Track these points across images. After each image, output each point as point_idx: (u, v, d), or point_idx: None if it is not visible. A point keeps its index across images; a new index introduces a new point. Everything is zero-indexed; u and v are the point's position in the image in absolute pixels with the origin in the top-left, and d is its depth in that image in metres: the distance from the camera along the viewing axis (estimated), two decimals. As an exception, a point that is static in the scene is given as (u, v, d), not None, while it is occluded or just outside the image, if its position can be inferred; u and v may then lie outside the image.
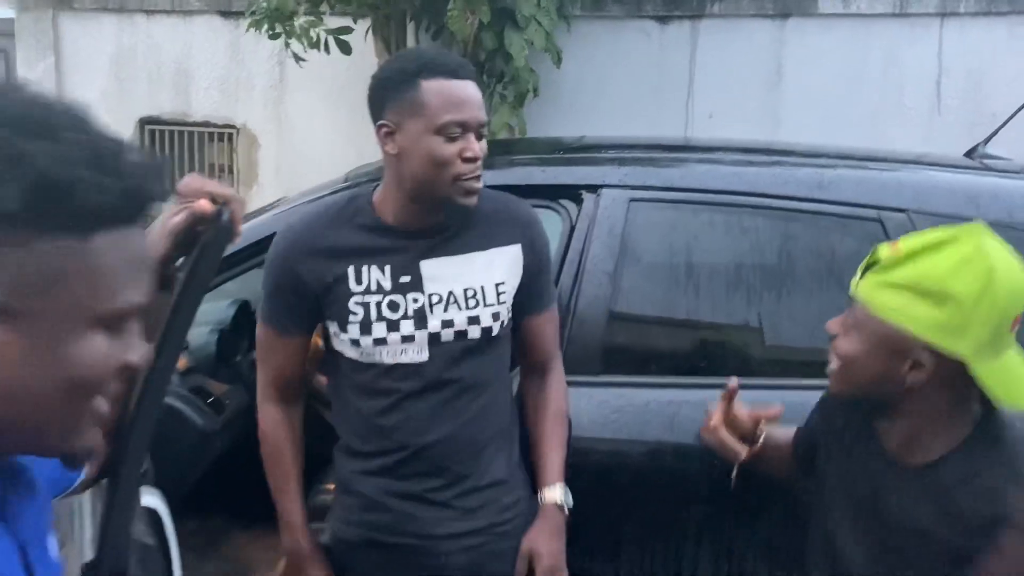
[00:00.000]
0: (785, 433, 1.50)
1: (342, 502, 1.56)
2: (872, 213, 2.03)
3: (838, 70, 5.07)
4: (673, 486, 1.98)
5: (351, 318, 1.43)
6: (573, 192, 2.09)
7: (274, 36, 4.59)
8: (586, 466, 1.83)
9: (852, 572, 1.26)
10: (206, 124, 5.85)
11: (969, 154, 2.56)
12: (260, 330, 1.52)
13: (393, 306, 1.44)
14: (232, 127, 5.82)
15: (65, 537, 1.13)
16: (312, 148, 5.55)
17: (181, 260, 1.08)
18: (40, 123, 0.58)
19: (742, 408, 1.50)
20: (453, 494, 1.47)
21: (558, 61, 4.81)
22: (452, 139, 1.37)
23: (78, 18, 5.83)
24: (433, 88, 1.36)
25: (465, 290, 1.46)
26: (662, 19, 5.23)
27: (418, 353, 1.44)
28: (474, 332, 1.46)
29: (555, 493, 1.55)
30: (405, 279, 1.44)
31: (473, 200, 1.42)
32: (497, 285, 1.48)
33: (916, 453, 1.17)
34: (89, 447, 0.66)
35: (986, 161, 2.42)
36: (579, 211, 2.07)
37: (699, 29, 5.20)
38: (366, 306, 1.43)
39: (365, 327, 1.43)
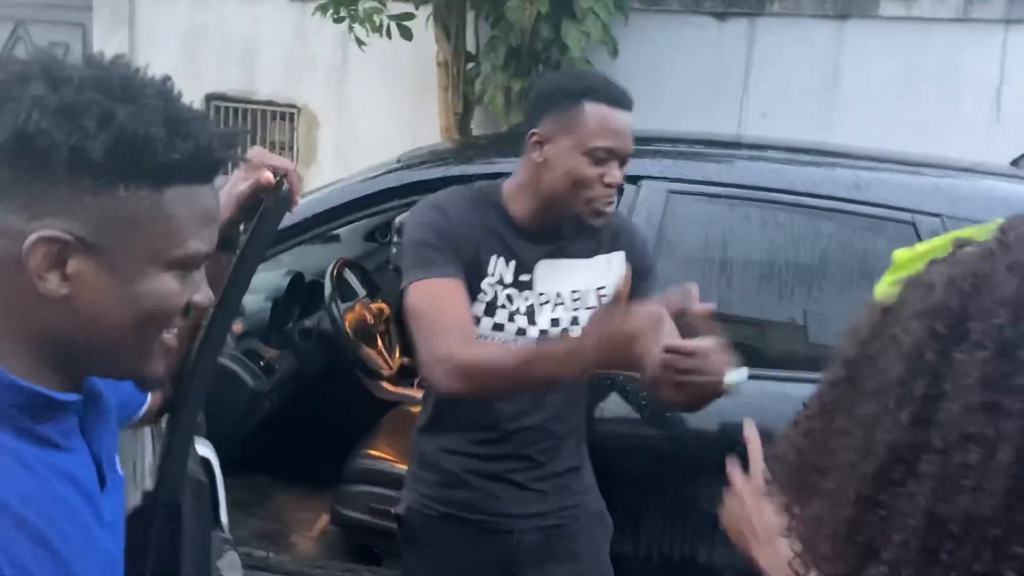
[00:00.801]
0: None
1: (421, 477, 1.60)
2: (906, 216, 2.06)
3: (896, 74, 5.01)
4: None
5: (480, 296, 1.49)
6: (613, 182, 2.17)
7: (338, 20, 4.73)
8: (617, 457, 1.92)
9: None
10: (269, 103, 6.03)
11: (1015, 163, 2.56)
12: (425, 287, 1.42)
13: (510, 299, 1.51)
14: (294, 107, 5.99)
15: (128, 464, 1.26)
16: (370, 130, 5.69)
17: (243, 225, 1.20)
18: (126, 89, 0.69)
19: None
20: (531, 477, 1.55)
21: (614, 53, 4.85)
22: (598, 163, 1.44)
23: (153, -5, 6.06)
24: (594, 111, 1.44)
25: (572, 292, 1.54)
26: (720, 15, 5.24)
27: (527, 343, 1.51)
28: (575, 331, 1.53)
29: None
30: (524, 277, 1.52)
31: (601, 221, 1.50)
32: (598, 289, 1.57)
33: None
34: (158, 373, 0.77)
35: (1031, 171, 2.43)
36: (618, 201, 2.14)
37: (757, 27, 5.20)
38: (494, 291, 1.50)
39: (490, 310, 1.50)
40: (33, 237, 0.67)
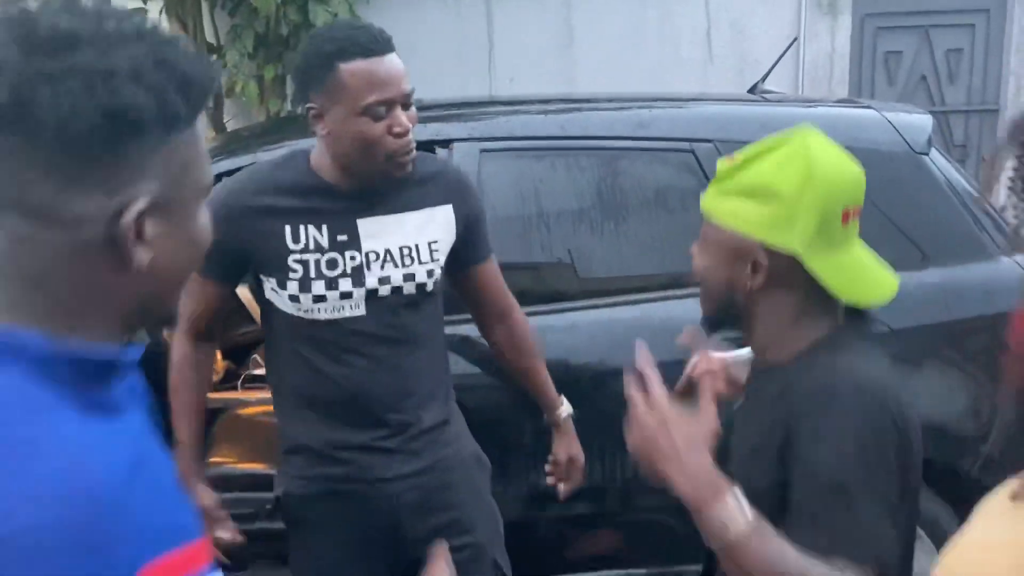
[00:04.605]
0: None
1: (291, 461, 1.59)
2: (685, 145, 2.33)
3: (622, 29, 5.47)
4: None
5: (291, 275, 1.47)
6: (427, 148, 2.23)
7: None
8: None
9: None
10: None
11: (752, 91, 2.96)
12: None
13: (332, 264, 1.48)
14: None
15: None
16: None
17: None
18: (151, 34, 0.64)
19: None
20: (398, 441, 1.55)
21: (362, 33, 4.86)
22: (378, 118, 1.39)
23: None
24: (352, 71, 1.38)
25: (401, 248, 1.51)
26: (457, -8, 5.40)
27: (355, 308, 1.50)
28: (409, 288, 1.52)
29: (565, 408, 1.79)
30: (342, 237, 1.49)
31: (407, 170, 1.47)
32: (430, 243, 1.54)
33: (774, 354, 1.16)
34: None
35: (766, 95, 2.82)
36: (435, 164, 2.21)
37: (492, 0, 5.42)
38: (305, 264, 1.47)
39: (304, 285, 1.47)
40: (133, 212, 0.63)
